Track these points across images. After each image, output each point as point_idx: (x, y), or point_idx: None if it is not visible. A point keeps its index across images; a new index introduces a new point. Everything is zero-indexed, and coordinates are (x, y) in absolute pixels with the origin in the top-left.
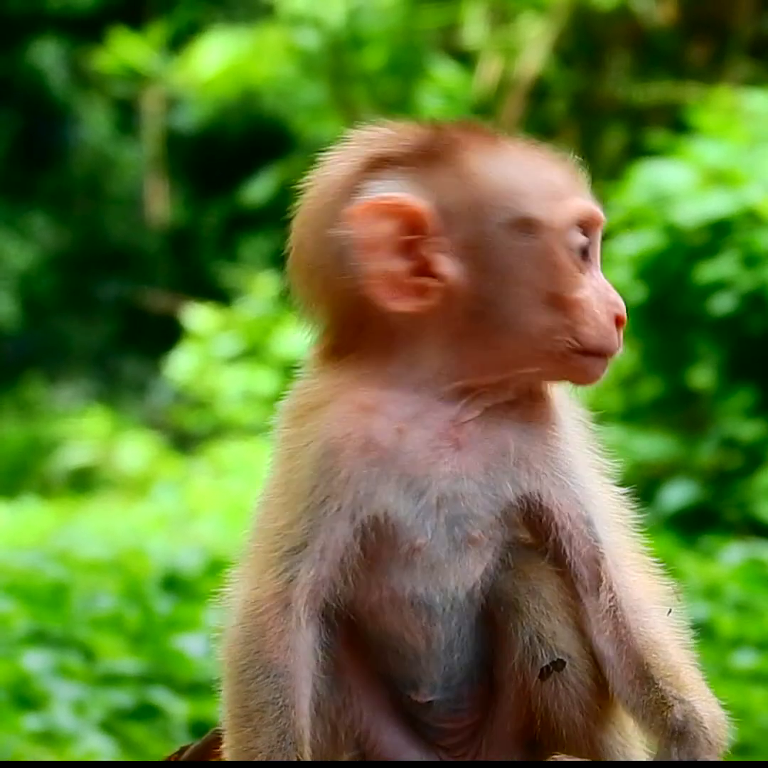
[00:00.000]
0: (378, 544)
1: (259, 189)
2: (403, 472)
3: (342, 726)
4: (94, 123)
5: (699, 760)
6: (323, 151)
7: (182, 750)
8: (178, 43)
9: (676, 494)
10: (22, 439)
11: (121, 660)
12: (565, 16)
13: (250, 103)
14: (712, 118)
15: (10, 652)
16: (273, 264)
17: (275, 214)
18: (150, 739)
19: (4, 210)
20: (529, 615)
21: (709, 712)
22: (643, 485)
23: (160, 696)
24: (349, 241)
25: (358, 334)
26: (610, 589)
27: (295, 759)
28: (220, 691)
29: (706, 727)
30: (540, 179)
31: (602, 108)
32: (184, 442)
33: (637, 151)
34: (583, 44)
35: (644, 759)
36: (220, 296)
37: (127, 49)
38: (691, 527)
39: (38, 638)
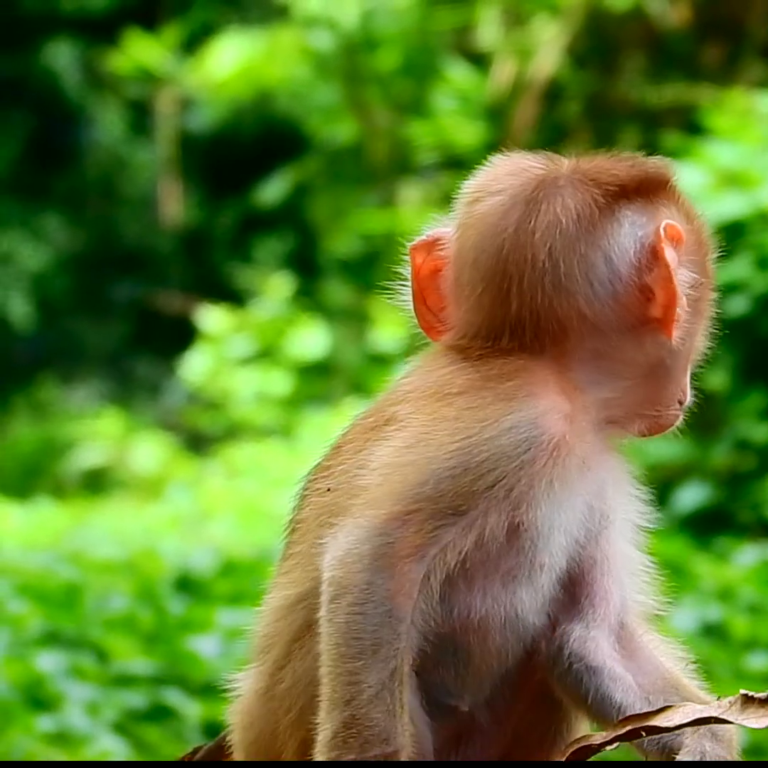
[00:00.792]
0: (505, 550)
1: (272, 190)
2: (563, 486)
3: None
4: (108, 124)
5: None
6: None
7: (195, 750)
8: (192, 44)
9: (690, 496)
10: (36, 440)
11: (135, 661)
12: (579, 17)
13: (263, 104)
14: (725, 119)
15: (24, 653)
16: (286, 265)
17: (289, 215)
18: (163, 740)
19: (18, 211)
20: None
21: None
22: (657, 487)
23: (174, 697)
24: (632, 263)
25: (534, 340)
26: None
27: (398, 702)
28: (322, 613)
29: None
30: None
31: (616, 109)
32: (197, 443)
33: (650, 153)
34: (597, 46)
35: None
36: (234, 297)
37: (141, 51)
38: (705, 529)
39: (52, 639)
